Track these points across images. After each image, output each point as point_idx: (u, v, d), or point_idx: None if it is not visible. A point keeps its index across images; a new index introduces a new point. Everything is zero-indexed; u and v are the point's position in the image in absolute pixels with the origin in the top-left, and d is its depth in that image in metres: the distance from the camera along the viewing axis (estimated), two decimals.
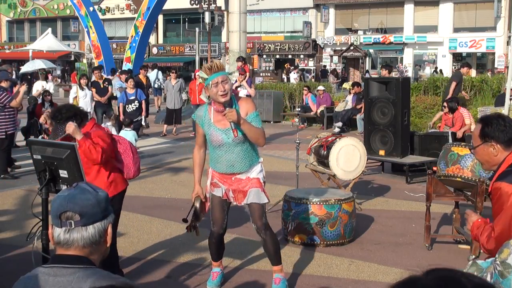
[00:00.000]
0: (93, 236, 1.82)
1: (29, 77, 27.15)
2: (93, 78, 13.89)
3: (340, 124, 15.21)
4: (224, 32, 41.34)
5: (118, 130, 10.44)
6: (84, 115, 4.63)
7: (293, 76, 32.06)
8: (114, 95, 13.99)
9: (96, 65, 23.41)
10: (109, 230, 1.88)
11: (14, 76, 21.87)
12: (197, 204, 4.62)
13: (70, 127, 4.31)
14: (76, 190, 1.84)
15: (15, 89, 9.40)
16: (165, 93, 17.15)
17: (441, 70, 33.48)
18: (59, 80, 35.13)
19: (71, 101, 13.14)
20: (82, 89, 13.07)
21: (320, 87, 17.22)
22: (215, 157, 4.59)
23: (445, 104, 10.44)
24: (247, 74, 12.56)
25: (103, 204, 1.86)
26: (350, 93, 16.82)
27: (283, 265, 4.70)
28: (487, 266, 2.47)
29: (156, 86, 20.92)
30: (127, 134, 9.62)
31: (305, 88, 17.47)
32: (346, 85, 19.28)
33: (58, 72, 41.11)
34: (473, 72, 33.57)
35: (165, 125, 14.64)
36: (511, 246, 2.27)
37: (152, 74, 20.95)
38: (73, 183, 3.18)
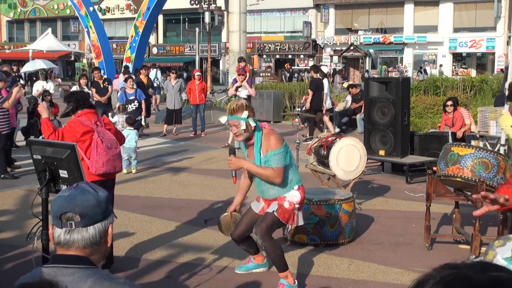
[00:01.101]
0: (93, 237, 1.82)
1: (34, 78, 27.16)
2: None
3: (338, 130, 15.18)
4: (224, 32, 41.36)
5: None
6: (82, 103, 4.95)
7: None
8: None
9: (96, 65, 23.44)
10: (110, 230, 1.88)
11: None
12: (221, 218, 4.91)
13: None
14: (77, 191, 1.84)
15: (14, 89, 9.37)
16: (165, 93, 17.16)
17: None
18: (60, 80, 35.12)
19: None
20: (82, 89, 13.07)
21: None
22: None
23: (447, 103, 10.42)
24: (247, 74, 12.57)
25: (103, 204, 1.86)
26: (349, 93, 16.82)
27: (290, 270, 4.70)
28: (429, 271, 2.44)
29: (155, 85, 20.97)
30: (131, 133, 9.66)
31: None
32: (346, 84, 19.27)
33: (57, 72, 41.13)
34: (473, 72, 33.62)
35: (165, 125, 14.64)
36: (496, 248, 2.26)
37: (151, 74, 20.99)
38: (73, 183, 3.19)
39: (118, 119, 10.64)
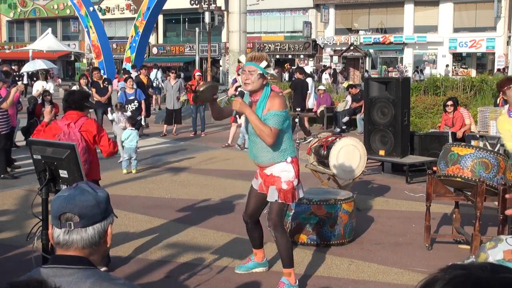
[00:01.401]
0: (92, 238, 1.82)
1: (34, 78, 27.17)
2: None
3: (338, 130, 15.19)
4: (224, 32, 41.36)
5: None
6: (69, 104, 5.09)
7: (325, 77, 30.66)
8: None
9: (96, 65, 23.44)
10: (109, 231, 1.88)
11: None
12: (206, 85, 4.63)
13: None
14: (76, 191, 1.84)
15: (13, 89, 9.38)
16: (164, 93, 17.18)
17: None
18: (60, 80, 35.11)
19: None
20: (82, 89, 13.07)
21: (321, 87, 17.22)
22: (251, 146, 4.67)
23: (447, 103, 10.42)
24: None
25: (103, 205, 1.85)
26: (349, 93, 16.83)
27: (282, 265, 4.70)
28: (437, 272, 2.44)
29: (154, 85, 21.01)
30: (132, 133, 9.69)
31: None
32: (346, 84, 19.28)
33: (55, 72, 41.11)
34: (473, 72, 33.61)
35: (165, 125, 14.65)
36: (488, 250, 2.26)
37: (152, 74, 21.01)
38: (73, 183, 3.19)
39: (117, 117, 10.63)
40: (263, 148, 4.43)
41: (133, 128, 9.90)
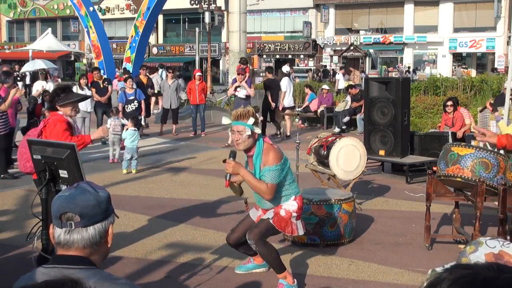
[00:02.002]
0: (93, 237, 1.82)
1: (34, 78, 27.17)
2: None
3: (337, 130, 15.20)
4: (224, 32, 41.36)
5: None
6: (48, 106, 4.99)
7: (338, 77, 30.15)
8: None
9: (96, 65, 23.42)
10: (110, 230, 1.88)
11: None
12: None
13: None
14: (77, 191, 1.84)
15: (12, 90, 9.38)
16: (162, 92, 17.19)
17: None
18: (60, 80, 35.10)
19: None
20: (82, 89, 13.06)
21: (325, 86, 17.20)
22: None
23: (447, 103, 10.42)
24: (247, 74, 12.57)
25: (103, 205, 1.85)
26: (349, 93, 16.84)
27: (289, 270, 4.71)
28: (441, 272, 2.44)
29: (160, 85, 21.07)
30: (135, 134, 9.73)
31: (306, 87, 17.47)
32: (345, 84, 19.32)
33: (51, 71, 41.07)
34: (473, 72, 33.59)
35: (161, 124, 14.71)
36: (469, 255, 2.25)
37: (157, 75, 21.03)
38: (73, 183, 3.19)
39: (110, 123, 10.55)
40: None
41: (136, 129, 9.93)
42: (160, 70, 22.29)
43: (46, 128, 4.97)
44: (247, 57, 18.25)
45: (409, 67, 35.60)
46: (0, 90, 9.08)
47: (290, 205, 4.51)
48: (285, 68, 15.16)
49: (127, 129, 9.88)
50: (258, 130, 4.34)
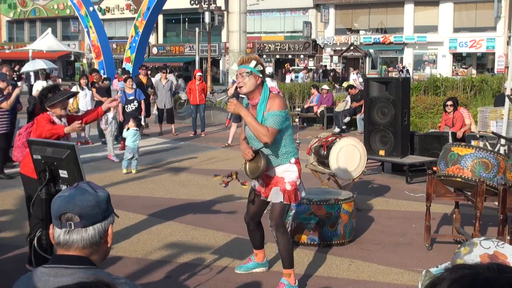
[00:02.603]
0: (93, 237, 1.82)
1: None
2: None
3: (337, 130, 15.21)
4: (224, 32, 41.36)
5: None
6: (40, 103, 5.20)
7: (352, 77, 30.26)
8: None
9: (96, 65, 23.42)
10: (110, 231, 1.88)
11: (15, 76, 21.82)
12: (261, 160, 4.43)
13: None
14: (76, 191, 1.84)
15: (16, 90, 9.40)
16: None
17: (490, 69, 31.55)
18: (60, 80, 35.08)
19: (70, 100, 13.11)
20: (82, 89, 13.07)
21: (325, 86, 17.21)
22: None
23: (447, 103, 10.43)
24: None
25: (103, 205, 1.85)
26: (348, 93, 16.85)
27: (282, 265, 4.70)
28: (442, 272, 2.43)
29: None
30: (137, 133, 9.78)
31: (313, 87, 17.48)
32: (345, 84, 19.32)
33: (48, 71, 41.09)
34: (473, 72, 33.56)
35: (160, 124, 14.76)
36: (464, 256, 2.24)
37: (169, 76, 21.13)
38: (73, 183, 3.19)
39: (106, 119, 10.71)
40: (270, 151, 4.43)
41: (137, 129, 9.96)
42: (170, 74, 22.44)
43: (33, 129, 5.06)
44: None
45: (403, 67, 35.52)
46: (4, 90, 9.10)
47: (291, 174, 4.49)
48: (268, 69, 15.31)
49: (128, 128, 9.89)
50: (259, 73, 4.39)
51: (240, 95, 4.68)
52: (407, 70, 34.14)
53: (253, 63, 4.38)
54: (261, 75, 4.40)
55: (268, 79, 14.36)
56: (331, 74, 35.28)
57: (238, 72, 4.44)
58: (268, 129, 4.26)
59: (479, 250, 2.22)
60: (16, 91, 9.06)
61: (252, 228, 4.89)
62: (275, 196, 4.49)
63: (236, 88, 4.66)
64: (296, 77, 33.24)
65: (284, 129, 4.42)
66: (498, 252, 2.20)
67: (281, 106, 4.35)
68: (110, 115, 10.72)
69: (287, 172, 4.49)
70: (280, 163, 4.49)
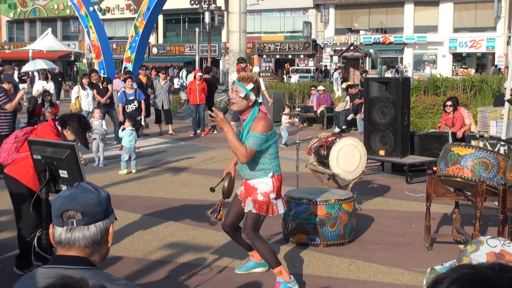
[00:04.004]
0: (94, 236, 1.82)
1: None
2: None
3: (337, 130, 15.21)
4: (224, 32, 41.35)
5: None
6: (67, 126, 4.92)
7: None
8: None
9: (96, 65, 23.40)
10: (111, 230, 1.88)
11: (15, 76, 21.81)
12: (225, 182, 4.83)
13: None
14: (78, 190, 1.84)
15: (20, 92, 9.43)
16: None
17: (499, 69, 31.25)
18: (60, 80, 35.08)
19: (73, 101, 13.12)
20: (84, 89, 13.08)
21: (320, 87, 17.24)
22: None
23: (447, 103, 10.43)
24: None
25: (104, 203, 1.86)
26: (348, 93, 16.86)
27: (284, 266, 4.71)
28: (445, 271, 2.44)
29: (178, 84, 21.29)
30: (133, 133, 9.76)
31: (312, 88, 17.48)
32: (345, 85, 19.34)
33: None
34: (473, 72, 33.55)
35: (159, 125, 14.78)
36: (470, 254, 2.25)
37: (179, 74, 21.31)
38: (73, 183, 3.19)
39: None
40: (248, 164, 4.55)
41: (133, 128, 9.93)
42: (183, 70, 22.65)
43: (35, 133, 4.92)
44: (247, 57, 18.26)
45: (393, 67, 35.35)
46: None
47: (265, 186, 4.56)
48: (255, 69, 15.82)
49: (123, 129, 9.89)
50: (253, 97, 4.49)
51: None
52: (396, 71, 34.09)
53: (250, 85, 4.47)
54: (253, 98, 4.50)
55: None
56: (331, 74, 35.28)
57: (234, 88, 4.54)
58: (247, 150, 4.38)
59: (486, 248, 2.22)
60: (21, 92, 9.11)
61: (232, 235, 4.94)
62: (247, 205, 4.59)
63: None
64: (302, 77, 33.19)
65: (264, 149, 4.50)
66: (504, 250, 2.21)
67: (264, 128, 4.44)
68: (96, 122, 10.47)
69: (261, 184, 4.57)
70: (256, 176, 4.60)
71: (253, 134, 4.41)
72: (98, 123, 10.40)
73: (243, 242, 4.90)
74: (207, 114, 17.22)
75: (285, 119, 12.70)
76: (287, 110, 13.91)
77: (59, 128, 4.91)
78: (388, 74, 31.93)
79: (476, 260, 2.20)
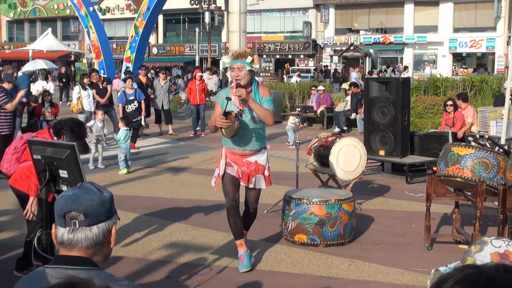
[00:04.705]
0: (97, 237, 1.82)
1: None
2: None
3: (337, 130, 15.20)
4: (224, 32, 41.35)
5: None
6: (64, 134, 4.86)
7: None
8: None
9: (96, 65, 23.40)
10: (113, 231, 1.88)
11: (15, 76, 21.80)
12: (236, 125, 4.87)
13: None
14: (81, 190, 1.84)
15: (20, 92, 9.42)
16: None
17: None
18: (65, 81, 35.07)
19: (74, 101, 13.12)
20: (85, 88, 13.08)
21: (320, 87, 17.25)
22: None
23: (447, 103, 10.42)
24: None
25: (107, 204, 1.85)
26: (347, 93, 16.85)
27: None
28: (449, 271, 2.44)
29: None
30: (128, 133, 9.78)
31: (313, 88, 17.48)
32: (345, 85, 19.30)
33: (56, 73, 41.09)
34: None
35: (159, 125, 14.78)
36: (474, 254, 2.25)
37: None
38: (73, 183, 3.19)
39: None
40: (253, 135, 4.96)
41: (127, 128, 9.94)
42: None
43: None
44: None
45: (388, 67, 35.28)
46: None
47: (266, 160, 5.10)
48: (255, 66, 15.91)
49: (118, 130, 9.93)
50: (256, 65, 4.93)
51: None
52: (385, 70, 34.07)
53: (249, 58, 4.87)
54: (256, 66, 4.89)
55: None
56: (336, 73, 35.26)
57: (235, 66, 4.83)
58: (272, 112, 4.90)
59: (490, 249, 2.22)
60: (21, 92, 9.10)
61: (234, 213, 5.08)
62: (259, 182, 5.06)
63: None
64: (303, 78, 33.14)
65: None
66: (509, 251, 2.21)
67: (270, 92, 5.13)
68: (94, 131, 10.39)
69: (266, 160, 5.10)
70: (262, 145, 5.08)
71: (268, 98, 4.96)
72: (101, 125, 10.40)
73: (240, 223, 5.10)
74: (208, 114, 17.28)
75: (292, 119, 12.70)
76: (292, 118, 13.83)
77: (55, 138, 4.90)
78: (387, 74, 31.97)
79: (480, 260, 2.20)
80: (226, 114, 4.73)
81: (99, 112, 10.90)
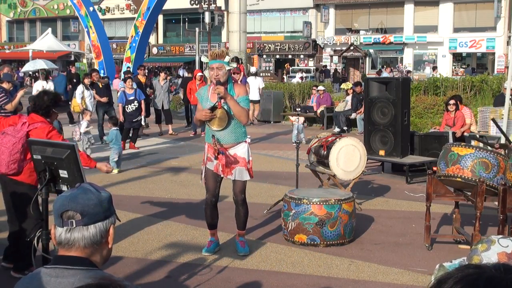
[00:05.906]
0: (94, 236, 1.82)
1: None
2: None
3: (337, 130, 15.21)
4: (224, 32, 41.35)
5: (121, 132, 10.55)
6: (38, 109, 4.93)
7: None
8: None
9: (96, 65, 23.41)
10: (111, 231, 1.88)
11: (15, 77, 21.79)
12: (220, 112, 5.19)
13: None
14: (78, 190, 1.84)
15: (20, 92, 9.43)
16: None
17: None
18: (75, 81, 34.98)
19: (78, 101, 13.14)
20: (87, 88, 13.10)
21: (320, 87, 17.25)
22: (208, 130, 5.32)
23: (450, 102, 10.40)
24: (242, 73, 12.63)
25: (105, 204, 1.85)
26: (347, 93, 16.84)
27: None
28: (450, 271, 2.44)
29: None
30: (118, 133, 9.92)
31: (314, 88, 17.48)
32: (345, 86, 19.29)
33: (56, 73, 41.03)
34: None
35: (159, 125, 14.79)
36: (481, 253, 2.24)
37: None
38: (73, 183, 3.19)
39: (77, 128, 10.54)
40: (232, 130, 5.19)
41: (117, 128, 10.02)
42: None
43: (35, 133, 4.84)
44: (246, 57, 18.28)
45: (382, 67, 35.21)
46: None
47: (246, 153, 5.29)
48: (252, 69, 16.42)
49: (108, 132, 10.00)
50: (233, 64, 5.26)
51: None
52: (380, 70, 34.09)
53: (227, 58, 5.17)
54: (234, 65, 5.28)
55: (251, 77, 14.79)
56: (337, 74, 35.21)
57: (214, 66, 5.10)
58: (247, 110, 5.18)
59: (497, 248, 2.21)
60: (21, 92, 9.11)
61: (212, 206, 5.44)
62: (241, 175, 5.27)
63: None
64: (306, 77, 33.04)
65: None
66: None
67: (246, 91, 5.42)
68: (82, 129, 10.46)
69: (246, 153, 5.27)
70: (241, 139, 5.26)
71: (244, 97, 5.23)
72: (85, 125, 10.46)
73: (216, 215, 5.50)
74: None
75: (295, 119, 12.70)
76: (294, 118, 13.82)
77: (47, 119, 4.92)
78: (385, 74, 31.94)
79: (487, 259, 2.19)
80: (213, 109, 5.06)
81: (88, 112, 11.17)
